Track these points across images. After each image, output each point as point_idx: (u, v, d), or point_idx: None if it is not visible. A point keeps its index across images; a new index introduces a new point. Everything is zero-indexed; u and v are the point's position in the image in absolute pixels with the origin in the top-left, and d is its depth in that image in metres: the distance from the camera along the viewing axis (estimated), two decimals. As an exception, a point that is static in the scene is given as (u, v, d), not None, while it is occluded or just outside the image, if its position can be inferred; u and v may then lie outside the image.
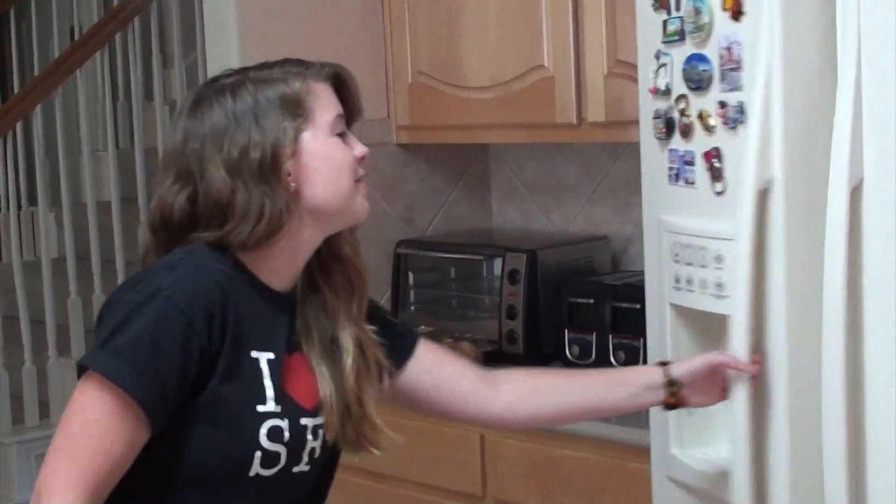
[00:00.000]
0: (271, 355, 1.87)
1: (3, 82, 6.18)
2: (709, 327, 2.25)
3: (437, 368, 2.11)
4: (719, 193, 2.18)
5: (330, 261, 1.96)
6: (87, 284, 4.71)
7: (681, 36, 2.24)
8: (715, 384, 2.14)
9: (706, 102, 2.19)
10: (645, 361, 2.80)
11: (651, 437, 2.47)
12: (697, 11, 2.19)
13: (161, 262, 1.85)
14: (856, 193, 1.98)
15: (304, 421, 1.88)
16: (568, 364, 3.23)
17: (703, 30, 2.19)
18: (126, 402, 1.74)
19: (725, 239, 2.15)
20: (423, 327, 3.50)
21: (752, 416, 2.10)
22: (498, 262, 3.43)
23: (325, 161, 1.88)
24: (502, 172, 3.89)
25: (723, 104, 2.16)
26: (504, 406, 2.13)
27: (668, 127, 2.29)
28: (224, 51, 3.47)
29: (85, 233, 4.76)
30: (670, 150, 2.28)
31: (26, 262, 5.01)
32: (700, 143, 2.21)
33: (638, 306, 2.74)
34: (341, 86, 1.94)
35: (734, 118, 2.14)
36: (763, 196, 2.07)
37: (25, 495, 4.45)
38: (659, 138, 2.31)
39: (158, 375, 1.75)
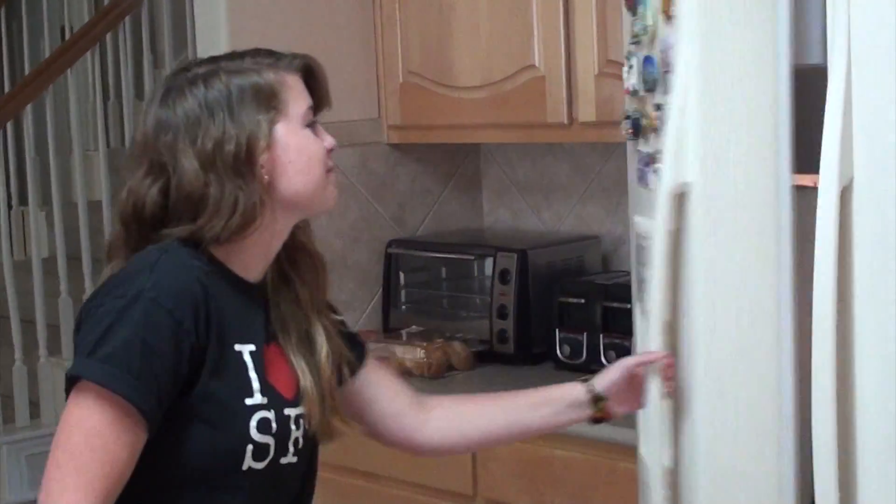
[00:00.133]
0: (252, 347, 1.87)
1: (-7, 81, 6.18)
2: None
3: (377, 385, 2.12)
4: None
5: (293, 250, 1.97)
6: (78, 284, 4.70)
7: (640, 38, 2.21)
8: (635, 390, 2.14)
9: (650, 105, 2.17)
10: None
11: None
12: (643, 15, 2.16)
13: (137, 264, 1.83)
14: (846, 193, 1.98)
15: (287, 411, 1.89)
16: (559, 364, 3.24)
17: (647, 33, 2.15)
18: (125, 408, 1.73)
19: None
20: (414, 327, 3.51)
21: (668, 415, 2.09)
22: (489, 262, 3.43)
23: (298, 153, 1.88)
24: (493, 172, 3.89)
25: (658, 107, 2.13)
26: (433, 431, 2.14)
27: (634, 128, 2.25)
28: (215, 50, 3.42)
29: (76, 232, 4.75)
30: (638, 151, 2.26)
31: (17, 262, 5.00)
32: (652, 145, 2.19)
33: (628, 306, 2.72)
34: (310, 77, 1.94)
35: (664, 121, 2.09)
36: (681, 199, 2.04)
37: (16, 495, 4.46)
38: (629, 139, 2.29)
39: (153, 378, 1.74)
